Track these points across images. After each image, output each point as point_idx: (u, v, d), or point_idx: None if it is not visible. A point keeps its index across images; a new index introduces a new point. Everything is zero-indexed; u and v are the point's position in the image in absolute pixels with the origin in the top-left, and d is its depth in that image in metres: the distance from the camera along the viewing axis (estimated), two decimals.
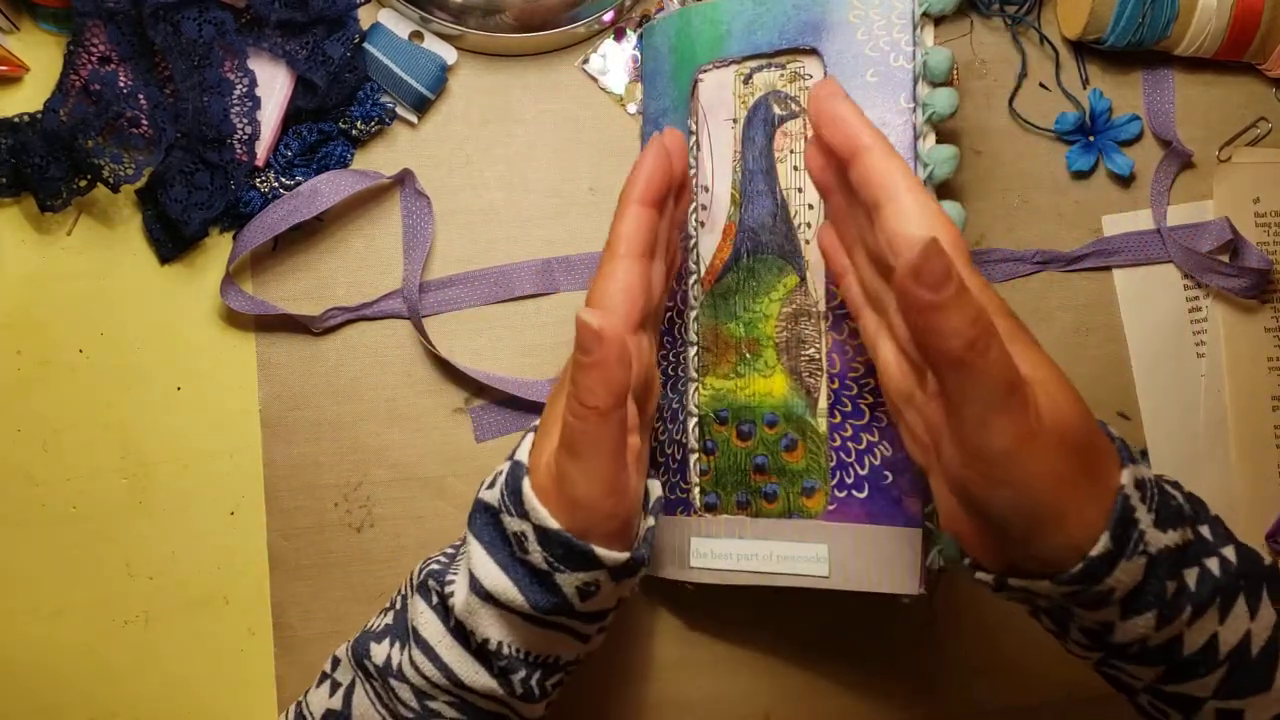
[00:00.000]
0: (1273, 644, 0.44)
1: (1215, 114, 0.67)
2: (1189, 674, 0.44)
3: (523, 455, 0.48)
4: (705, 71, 0.59)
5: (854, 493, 0.54)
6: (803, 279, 0.56)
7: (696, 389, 0.59)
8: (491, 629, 0.48)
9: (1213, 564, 0.44)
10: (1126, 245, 0.66)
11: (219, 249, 0.63)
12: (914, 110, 0.55)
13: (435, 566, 0.51)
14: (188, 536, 0.62)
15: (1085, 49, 0.67)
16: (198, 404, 0.62)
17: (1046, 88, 0.67)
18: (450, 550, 0.53)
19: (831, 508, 0.55)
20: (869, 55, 0.55)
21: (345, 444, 0.63)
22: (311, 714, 0.53)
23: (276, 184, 0.61)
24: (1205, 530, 0.45)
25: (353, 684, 0.52)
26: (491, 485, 0.49)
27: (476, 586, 0.48)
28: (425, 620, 0.50)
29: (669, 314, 0.60)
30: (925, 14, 0.55)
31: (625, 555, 0.47)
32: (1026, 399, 0.40)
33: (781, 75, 0.58)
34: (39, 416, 0.61)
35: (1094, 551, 0.41)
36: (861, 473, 0.55)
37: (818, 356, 0.56)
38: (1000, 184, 0.66)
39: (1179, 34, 0.64)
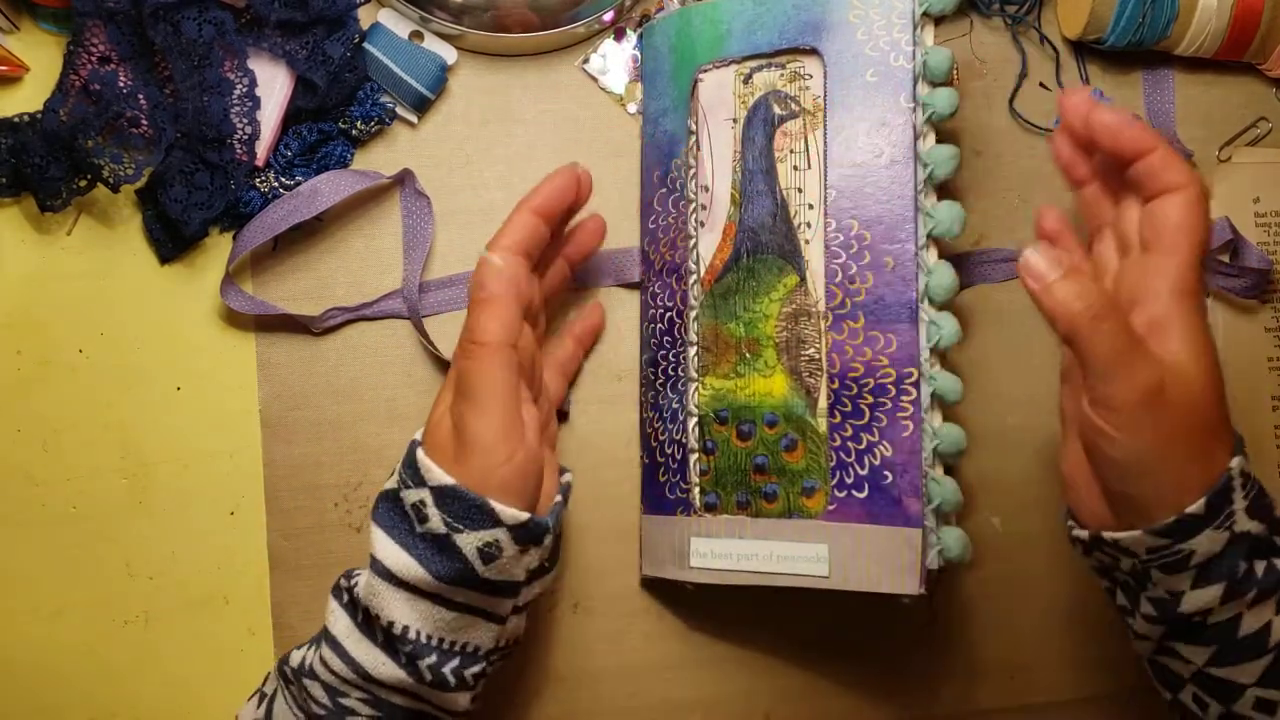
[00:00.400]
0: None
1: (1215, 114, 0.67)
2: (1237, 657, 0.48)
3: (417, 436, 0.51)
4: (705, 71, 0.60)
5: (854, 493, 0.54)
6: (803, 279, 0.56)
7: (696, 389, 0.59)
8: (395, 610, 0.49)
9: None
10: None
11: (219, 249, 0.63)
12: (914, 110, 0.55)
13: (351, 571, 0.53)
14: (188, 536, 0.62)
15: (1085, 49, 0.67)
16: (198, 404, 0.62)
17: (1047, 88, 0.67)
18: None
19: (831, 508, 0.55)
20: (869, 55, 0.55)
21: (345, 444, 0.63)
22: None
23: (276, 184, 0.61)
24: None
25: (274, 694, 0.53)
26: (390, 476, 0.52)
27: (377, 567, 0.49)
28: (335, 618, 0.51)
29: (669, 314, 0.60)
30: (925, 14, 0.55)
31: (524, 515, 0.48)
32: (1147, 367, 0.46)
33: (781, 75, 0.58)
34: (39, 416, 0.61)
35: (1190, 509, 0.46)
36: (861, 473, 0.54)
37: (817, 356, 0.56)
38: (1000, 184, 0.66)
39: (1179, 34, 0.64)
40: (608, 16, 0.64)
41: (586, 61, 0.65)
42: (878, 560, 0.54)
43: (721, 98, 0.59)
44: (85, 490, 0.61)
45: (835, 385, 0.55)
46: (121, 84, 0.59)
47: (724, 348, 0.58)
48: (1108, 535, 0.49)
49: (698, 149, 0.60)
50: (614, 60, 0.65)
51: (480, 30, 0.63)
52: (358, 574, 0.52)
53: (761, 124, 0.58)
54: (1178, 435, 0.46)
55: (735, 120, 0.59)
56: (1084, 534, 0.51)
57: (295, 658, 0.52)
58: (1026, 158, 0.66)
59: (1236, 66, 0.67)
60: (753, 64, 0.58)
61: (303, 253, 0.63)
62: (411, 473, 0.49)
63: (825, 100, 0.56)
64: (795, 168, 0.57)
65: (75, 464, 0.61)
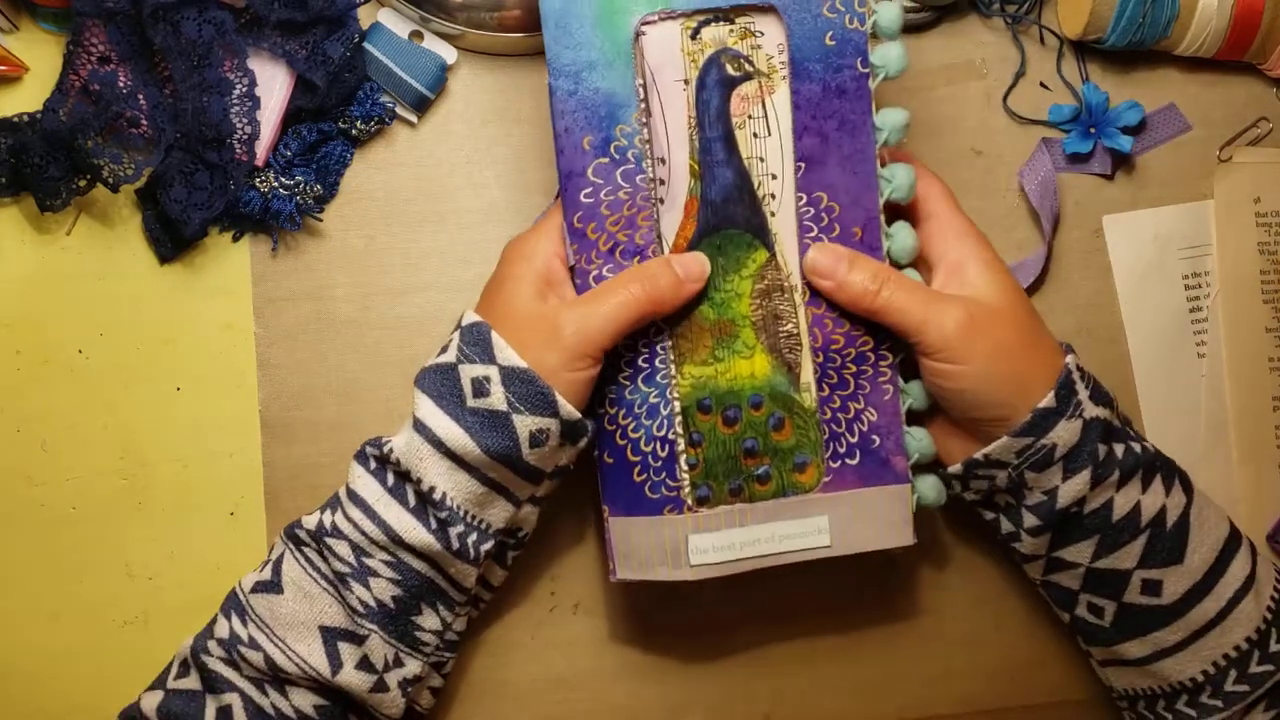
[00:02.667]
0: (1184, 521, 0.55)
1: (1215, 114, 0.67)
2: (1117, 542, 0.54)
3: (475, 316, 0.54)
4: (649, 23, 0.54)
5: (846, 461, 0.56)
6: (772, 253, 0.55)
7: (675, 380, 0.56)
8: (437, 477, 0.52)
9: (1136, 446, 0.55)
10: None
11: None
12: (869, 74, 0.54)
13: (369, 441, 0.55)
14: (188, 536, 0.62)
15: (1086, 49, 0.67)
16: (198, 404, 0.62)
17: (1047, 87, 0.67)
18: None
19: (828, 479, 0.56)
20: (828, 17, 0.53)
21: (345, 444, 0.63)
22: (242, 589, 0.55)
23: (276, 184, 0.61)
24: (1131, 430, 0.56)
25: (282, 556, 0.54)
26: (443, 351, 0.54)
27: (425, 433, 0.52)
28: (363, 483, 0.53)
29: None
30: None
31: (578, 414, 0.53)
32: (949, 302, 0.53)
33: (731, 31, 0.54)
34: (39, 416, 0.61)
35: (1041, 404, 0.53)
36: (852, 441, 0.56)
37: (795, 331, 0.56)
38: (1000, 184, 0.66)
39: (1179, 34, 0.64)
40: None
41: None
42: (874, 521, 0.56)
43: (669, 54, 0.54)
44: (85, 490, 0.61)
45: (820, 359, 0.56)
46: (121, 84, 0.59)
47: (698, 332, 0.56)
48: (978, 454, 0.54)
49: (648, 115, 0.54)
50: None
51: (480, 30, 0.63)
52: (386, 441, 0.53)
53: (716, 86, 0.54)
54: (1005, 350, 0.53)
55: (687, 82, 0.54)
56: (958, 467, 0.56)
57: (308, 522, 0.54)
58: (1026, 157, 0.66)
59: (1236, 66, 0.67)
60: (701, 18, 0.54)
61: (303, 253, 0.63)
62: (479, 350, 0.52)
63: (790, 64, 0.54)
64: (755, 135, 0.55)
65: (75, 464, 0.61)
